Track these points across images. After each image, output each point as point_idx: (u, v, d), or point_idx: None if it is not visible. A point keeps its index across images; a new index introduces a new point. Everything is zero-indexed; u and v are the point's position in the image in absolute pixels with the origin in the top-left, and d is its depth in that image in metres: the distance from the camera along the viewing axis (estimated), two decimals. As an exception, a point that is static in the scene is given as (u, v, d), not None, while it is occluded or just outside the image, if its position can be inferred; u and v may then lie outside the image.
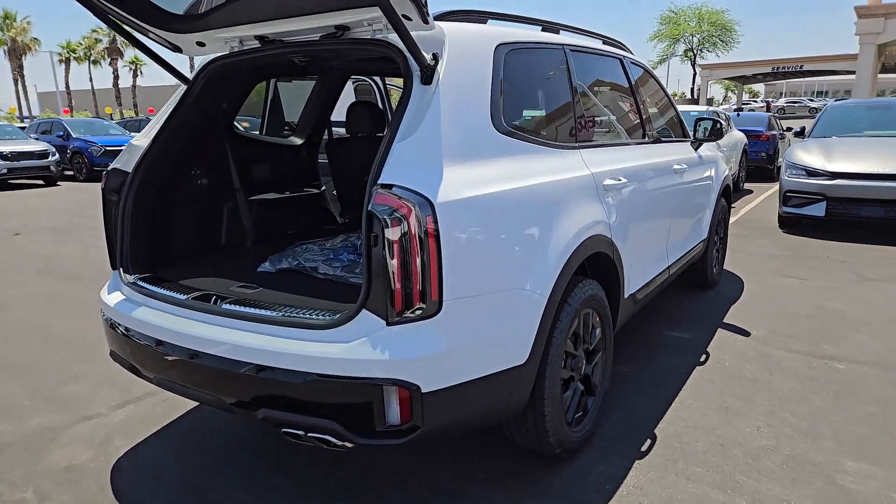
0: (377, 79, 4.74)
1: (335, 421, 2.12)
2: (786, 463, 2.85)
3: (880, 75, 37.56)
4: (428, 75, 2.29)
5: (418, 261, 2.04)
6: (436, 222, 2.03)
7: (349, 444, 2.16)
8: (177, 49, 3.00)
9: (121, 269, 2.85)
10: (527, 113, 2.82)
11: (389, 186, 2.05)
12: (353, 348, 2.10)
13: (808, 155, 8.07)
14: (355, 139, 3.92)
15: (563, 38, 3.26)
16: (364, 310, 2.12)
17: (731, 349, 4.22)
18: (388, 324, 2.09)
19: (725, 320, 4.81)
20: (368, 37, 2.50)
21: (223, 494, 2.70)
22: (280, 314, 2.28)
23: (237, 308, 2.37)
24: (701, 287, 5.56)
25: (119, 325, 2.69)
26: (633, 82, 3.90)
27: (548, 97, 2.98)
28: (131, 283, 2.76)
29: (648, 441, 3.05)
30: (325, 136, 4.35)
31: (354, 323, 2.12)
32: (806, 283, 5.78)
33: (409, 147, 2.15)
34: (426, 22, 2.25)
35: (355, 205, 4.10)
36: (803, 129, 9.84)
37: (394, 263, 2.04)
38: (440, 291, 2.08)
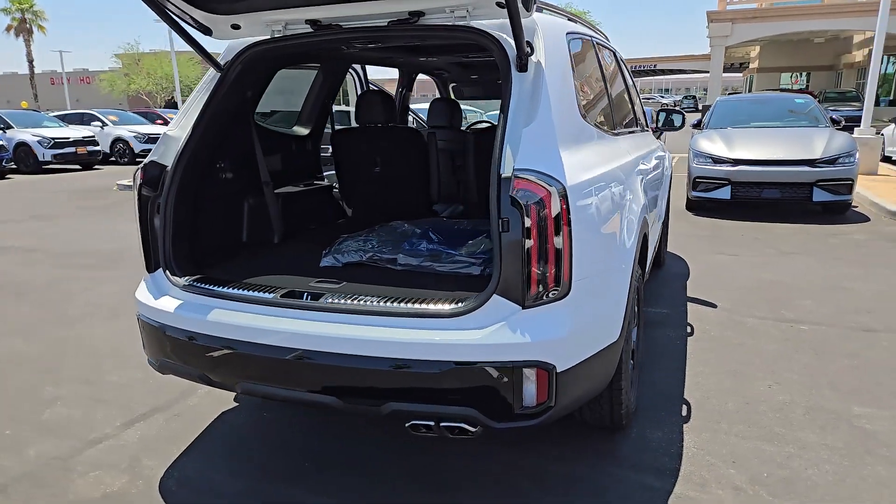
0: (357, 67, 4.62)
1: (473, 407, 2.11)
2: (807, 413, 3.20)
3: (724, 74, 41.86)
4: (524, 63, 2.33)
5: (555, 244, 2.08)
6: (568, 205, 2.08)
7: (478, 431, 2.16)
8: (206, 31, 2.78)
9: (166, 272, 2.61)
10: (587, 101, 2.93)
11: (527, 171, 2.07)
12: (493, 333, 2.10)
13: (712, 144, 8.90)
14: (365, 130, 3.82)
15: (587, 29, 3.40)
16: (496, 295, 2.12)
17: (709, 320, 4.61)
18: (524, 307, 2.11)
19: (689, 295, 5.23)
20: (449, 23, 2.48)
21: (298, 500, 2.57)
22: (405, 305, 2.22)
23: (351, 302, 2.27)
24: (656, 265, 5.99)
25: (180, 331, 2.47)
26: (625, 73, 4.14)
27: (593, 86, 3.10)
28: (188, 286, 2.54)
29: (685, 407, 3.29)
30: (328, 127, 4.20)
31: (487, 309, 2.13)
32: (738, 259, 6.41)
33: (535, 133, 2.19)
34: (528, 10, 2.27)
35: (363, 197, 4.00)
36: (699, 121, 10.81)
37: (532, 247, 2.07)
38: (570, 273, 2.13)
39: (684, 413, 3.23)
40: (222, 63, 2.83)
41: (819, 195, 8.12)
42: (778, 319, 4.59)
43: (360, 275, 2.64)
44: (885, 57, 26.74)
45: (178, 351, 2.51)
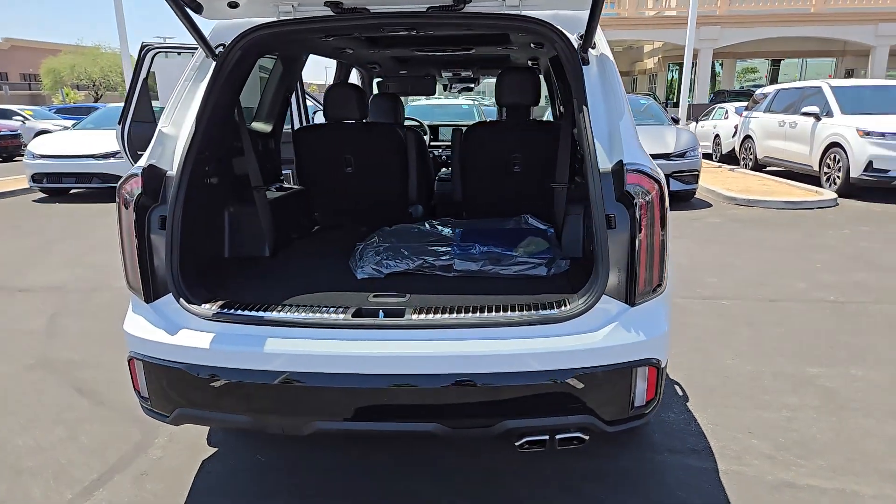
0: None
1: (589, 414, 2.03)
2: (776, 379, 3.57)
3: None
4: (585, 57, 2.28)
5: (659, 238, 2.07)
6: (664, 200, 2.08)
7: (587, 439, 2.09)
8: (197, 7, 2.35)
9: (180, 300, 2.16)
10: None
11: (638, 166, 2.03)
12: (610, 335, 2.04)
13: None
14: (337, 127, 3.49)
15: None
16: (605, 295, 2.06)
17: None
18: (633, 305, 2.08)
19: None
20: (500, 12, 2.35)
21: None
22: (512, 314, 2.05)
23: (448, 317, 2.05)
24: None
25: (222, 370, 2.06)
26: None
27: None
28: (220, 314, 2.12)
29: (678, 388, 3.48)
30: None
31: (598, 310, 2.05)
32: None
33: (628, 128, 2.15)
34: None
35: (331, 201, 3.65)
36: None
37: (641, 243, 2.04)
38: (666, 267, 2.14)
39: (680, 393, 3.41)
40: (214, 47, 2.39)
41: (674, 185, 9.07)
42: (700, 297, 5.04)
43: (416, 285, 2.41)
44: (669, 64, 30.70)
45: (214, 395, 2.09)
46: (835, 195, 9.39)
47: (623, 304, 2.08)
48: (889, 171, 9.13)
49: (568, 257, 2.58)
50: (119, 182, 2.22)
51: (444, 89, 6.35)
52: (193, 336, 2.13)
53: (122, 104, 4.12)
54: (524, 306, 2.11)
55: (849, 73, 27.07)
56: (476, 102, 13.08)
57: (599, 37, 2.38)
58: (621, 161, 2.04)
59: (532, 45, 3.62)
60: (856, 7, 24.23)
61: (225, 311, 2.15)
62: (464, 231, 2.78)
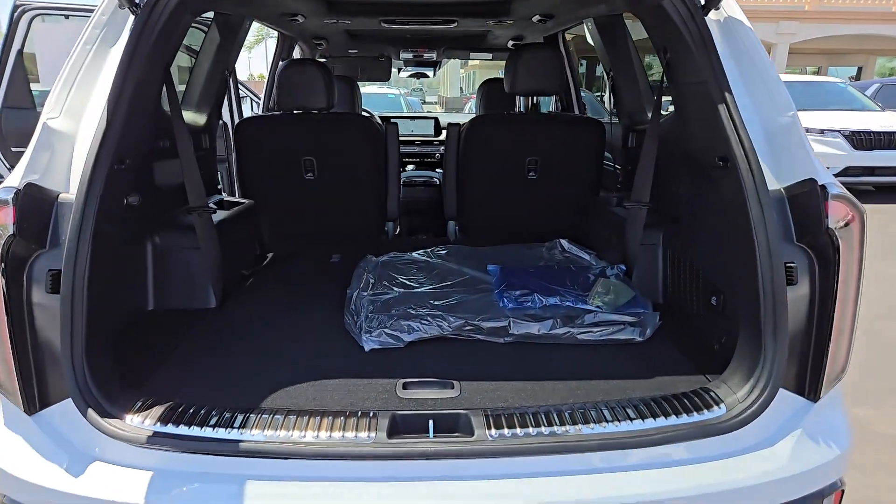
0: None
1: None
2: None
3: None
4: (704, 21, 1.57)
5: (855, 297, 1.37)
6: (865, 238, 1.39)
7: None
8: None
9: (90, 410, 1.27)
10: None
11: (836, 189, 1.32)
12: (793, 452, 1.33)
13: None
14: (293, 119, 2.59)
15: None
16: (782, 388, 1.35)
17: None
18: (816, 399, 1.38)
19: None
20: None
21: None
22: (653, 424, 1.30)
23: (543, 436, 1.26)
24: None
25: None
26: None
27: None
28: (155, 438, 1.25)
29: None
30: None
31: (771, 411, 1.34)
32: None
33: (798, 128, 1.44)
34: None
35: (286, 216, 2.74)
36: None
37: (837, 306, 1.34)
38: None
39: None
40: None
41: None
42: None
43: (457, 361, 1.60)
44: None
45: None
46: None
47: (803, 399, 1.38)
48: None
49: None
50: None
51: (398, 72, 5.47)
52: (113, 477, 1.23)
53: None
54: (657, 405, 1.36)
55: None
56: (401, 92, 12.13)
57: None
58: (814, 181, 1.33)
59: (540, 16, 2.84)
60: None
61: (171, 428, 1.26)
62: (502, 269, 1.98)
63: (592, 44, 2.84)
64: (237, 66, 2.95)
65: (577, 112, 3.46)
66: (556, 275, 1.94)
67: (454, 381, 1.49)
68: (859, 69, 25.42)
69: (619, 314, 1.73)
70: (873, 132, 8.56)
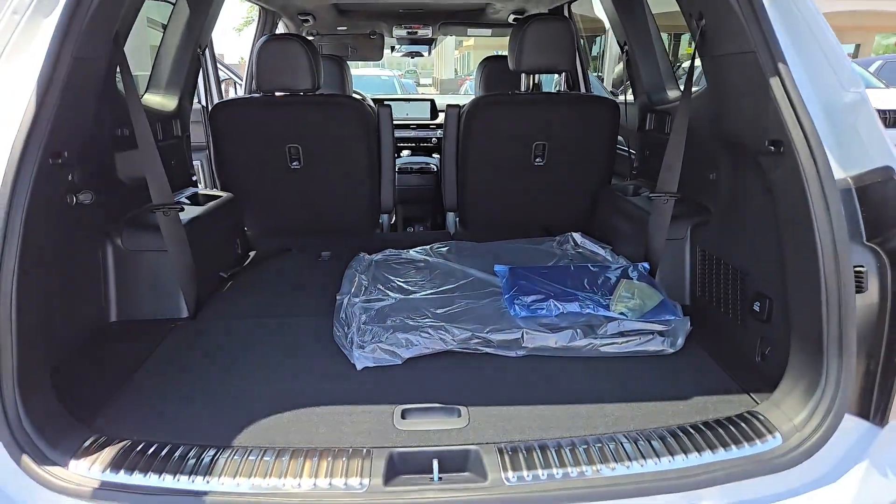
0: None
1: None
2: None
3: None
4: None
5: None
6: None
7: None
8: None
9: (23, 455, 1.05)
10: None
11: None
12: (860, 489, 1.13)
13: None
14: (275, 101, 2.35)
15: None
16: (848, 414, 1.14)
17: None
18: (883, 424, 1.18)
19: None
20: None
21: None
22: (697, 461, 1.09)
23: (565, 477, 1.06)
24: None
25: None
26: None
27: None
28: (103, 489, 1.04)
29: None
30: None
31: (837, 438, 1.14)
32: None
33: (868, 107, 1.23)
34: None
35: (268, 209, 2.51)
36: None
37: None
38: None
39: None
40: None
41: None
42: None
43: (461, 380, 1.39)
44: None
45: None
46: None
47: (867, 424, 1.17)
48: None
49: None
50: None
51: (391, 51, 5.18)
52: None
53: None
54: (701, 435, 1.16)
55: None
56: (395, 74, 11.77)
57: None
58: (891, 169, 1.11)
59: None
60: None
61: (123, 476, 1.05)
62: (511, 270, 1.76)
63: (603, 14, 2.59)
64: (223, 49, 2.70)
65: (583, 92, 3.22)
66: (572, 275, 1.72)
67: (461, 407, 1.28)
68: (857, 46, 25.14)
69: (646, 322, 1.52)
70: (879, 110, 8.34)
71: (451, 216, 2.75)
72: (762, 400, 1.30)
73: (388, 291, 1.75)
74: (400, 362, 1.45)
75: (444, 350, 1.48)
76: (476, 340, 1.48)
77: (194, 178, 2.41)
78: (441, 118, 4.01)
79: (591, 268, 1.76)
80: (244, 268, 2.13)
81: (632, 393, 1.34)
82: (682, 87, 2.30)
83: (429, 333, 1.48)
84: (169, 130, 2.19)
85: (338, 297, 1.73)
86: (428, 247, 2.11)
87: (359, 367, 1.44)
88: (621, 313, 1.55)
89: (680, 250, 1.81)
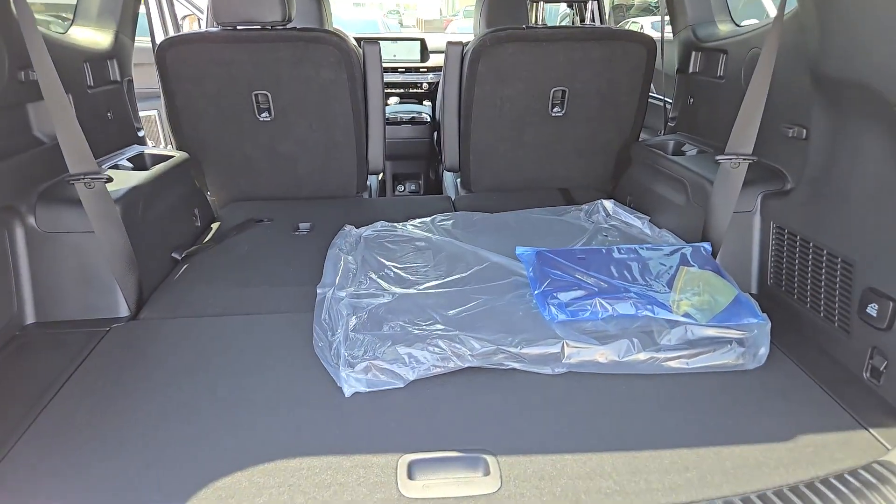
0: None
1: None
2: None
3: None
4: None
5: None
6: None
7: None
8: None
9: None
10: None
11: None
12: None
13: None
14: (238, 38, 1.92)
15: None
16: None
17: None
18: None
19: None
20: None
21: None
22: None
23: None
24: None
25: None
26: None
27: None
28: None
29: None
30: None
31: None
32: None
33: None
34: None
35: (234, 171, 2.10)
36: None
37: None
38: None
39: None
40: None
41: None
42: None
43: (492, 412, 1.04)
44: None
45: None
46: None
47: None
48: None
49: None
50: None
51: None
52: None
53: None
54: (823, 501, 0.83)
55: None
56: (377, 16, 11.03)
57: None
58: None
59: None
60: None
61: None
62: (538, 255, 1.39)
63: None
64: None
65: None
66: (616, 262, 1.36)
67: (488, 457, 0.94)
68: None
69: (720, 326, 1.17)
70: None
71: (450, 177, 2.36)
72: (888, 438, 0.97)
73: (382, 283, 1.38)
74: (402, 385, 1.10)
75: (461, 369, 1.13)
76: (502, 355, 1.13)
77: (142, 134, 1.98)
78: (432, 61, 3.56)
79: (641, 251, 1.40)
80: (203, 246, 1.74)
81: (714, 431, 1.00)
82: (736, 20, 1.89)
83: (439, 347, 1.12)
84: (102, 73, 1.76)
85: (318, 291, 1.36)
86: (429, 219, 1.74)
87: (347, 393, 1.09)
88: (686, 314, 1.20)
89: (746, 226, 1.45)
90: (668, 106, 2.19)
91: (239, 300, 1.45)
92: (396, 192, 3.18)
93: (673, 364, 1.13)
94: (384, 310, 1.26)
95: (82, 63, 1.68)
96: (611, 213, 1.76)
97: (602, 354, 1.13)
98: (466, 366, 1.13)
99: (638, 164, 1.97)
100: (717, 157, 1.39)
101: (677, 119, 2.08)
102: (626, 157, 2.12)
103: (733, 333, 1.17)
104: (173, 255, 1.64)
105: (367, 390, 1.09)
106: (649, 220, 1.72)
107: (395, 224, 1.73)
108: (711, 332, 1.17)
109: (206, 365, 1.20)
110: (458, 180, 2.30)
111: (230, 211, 2.02)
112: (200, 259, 1.66)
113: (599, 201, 1.80)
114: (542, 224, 1.71)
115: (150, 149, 1.90)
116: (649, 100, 2.16)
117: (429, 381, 1.12)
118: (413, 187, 3.18)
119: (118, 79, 1.84)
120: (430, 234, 1.63)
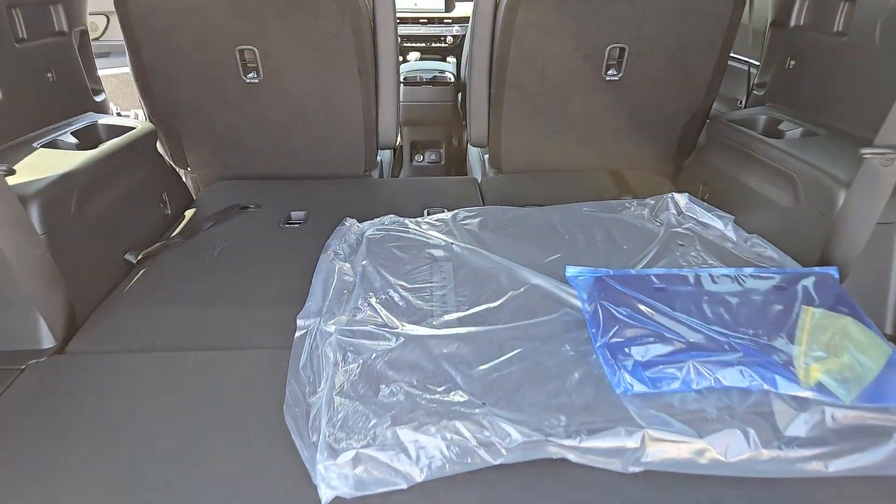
0: None
1: None
2: None
3: None
4: None
5: None
6: None
7: None
8: None
9: None
10: None
11: None
12: None
13: None
14: None
15: None
16: None
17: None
18: None
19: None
20: None
21: None
22: None
23: None
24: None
25: None
26: None
27: None
28: None
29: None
30: None
31: None
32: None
33: None
34: None
35: (216, 145, 1.74)
36: None
37: None
38: None
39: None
40: None
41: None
42: None
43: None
44: None
45: None
46: None
47: None
48: None
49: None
50: None
51: None
52: None
53: None
54: None
55: None
56: None
57: None
58: None
59: None
60: None
61: None
62: (597, 282, 1.01)
63: None
64: None
65: None
66: (709, 296, 0.98)
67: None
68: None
69: (872, 406, 0.80)
70: None
71: (475, 153, 1.97)
72: None
73: (383, 312, 1.02)
74: (405, 487, 0.75)
75: (490, 466, 0.77)
76: (552, 447, 0.77)
77: (100, 99, 1.62)
78: (458, 10, 3.11)
79: (745, 279, 1.01)
80: (168, 243, 1.39)
81: None
82: None
83: (459, 434, 0.77)
84: (40, 24, 1.39)
85: (299, 322, 1.01)
86: (449, 216, 1.37)
87: (324, 498, 0.74)
88: (819, 385, 0.83)
89: (887, 244, 1.06)
90: (752, 70, 1.75)
91: (198, 328, 1.10)
92: (415, 162, 2.80)
93: (806, 467, 0.77)
94: (385, 361, 0.91)
95: (12, 10, 1.31)
96: (683, 209, 1.37)
97: (700, 450, 0.76)
98: (499, 462, 0.77)
99: (717, 145, 1.56)
100: (863, 151, 0.98)
101: (768, 87, 1.65)
102: (694, 134, 1.72)
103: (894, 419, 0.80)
104: (126, 257, 1.30)
105: (355, 495, 0.75)
106: (733, 220, 1.33)
107: (407, 220, 1.36)
108: (862, 415, 0.80)
109: (144, 425, 0.87)
110: (486, 157, 1.91)
111: (211, 193, 1.67)
112: (161, 263, 1.32)
113: (670, 195, 1.41)
114: (595, 225, 1.32)
115: (107, 118, 1.54)
116: (728, 62, 1.73)
117: (443, 482, 0.77)
118: (434, 157, 2.79)
119: (65, 29, 1.47)
120: (449, 238, 1.26)
